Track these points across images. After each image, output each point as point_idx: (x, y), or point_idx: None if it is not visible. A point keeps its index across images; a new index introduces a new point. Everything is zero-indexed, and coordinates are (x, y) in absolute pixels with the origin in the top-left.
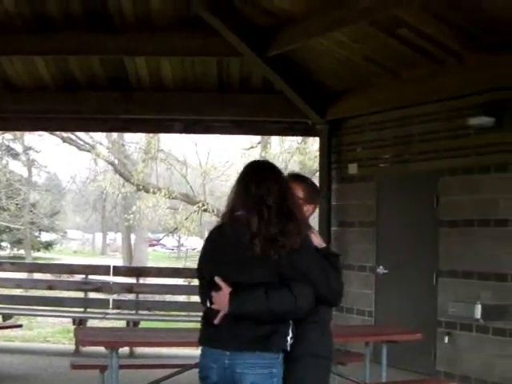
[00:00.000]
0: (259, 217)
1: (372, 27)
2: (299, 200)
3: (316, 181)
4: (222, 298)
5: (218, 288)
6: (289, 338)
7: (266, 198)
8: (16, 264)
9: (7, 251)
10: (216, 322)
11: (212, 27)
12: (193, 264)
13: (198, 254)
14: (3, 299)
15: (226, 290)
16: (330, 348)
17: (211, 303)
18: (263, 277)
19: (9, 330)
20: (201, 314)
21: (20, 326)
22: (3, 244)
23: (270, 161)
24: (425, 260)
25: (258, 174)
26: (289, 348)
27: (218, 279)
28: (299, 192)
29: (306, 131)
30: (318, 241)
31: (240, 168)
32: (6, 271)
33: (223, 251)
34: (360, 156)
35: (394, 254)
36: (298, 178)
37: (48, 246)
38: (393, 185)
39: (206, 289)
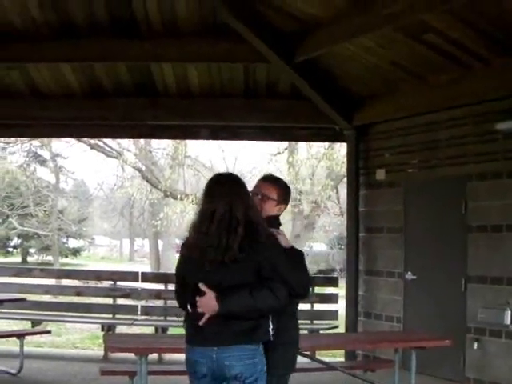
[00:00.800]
0: (199, 231)
1: (398, 32)
2: (272, 201)
3: (344, 186)
4: (208, 302)
5: (201, 293)
6: (271, 330)
7: (213, 213)
8: (45, 270)
9: (35, 257)
10: (201, 323)
11: (238, 33)
12: None
13: None
14: (32, 305)
15: (210, 294)
16: (298, 334)
17: (196, 307)
18: (243, 278)
19: (38, 335)
20: None
21: (49, 331)
22: (31, 250)
23: (232, 173)
24: (453, 266)
25: (209, 190)
26: (272, 338)
27: (201, 285)
28: (273, 193)
29: (333, 137)
30: (284, 241)
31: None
32: (35, 277)
33: (196, 259)
34: (387, 161)
35: (422, 260)
36: (269, 179)
37: (76, 252)
38: (421, 190)
39: (189, 294)
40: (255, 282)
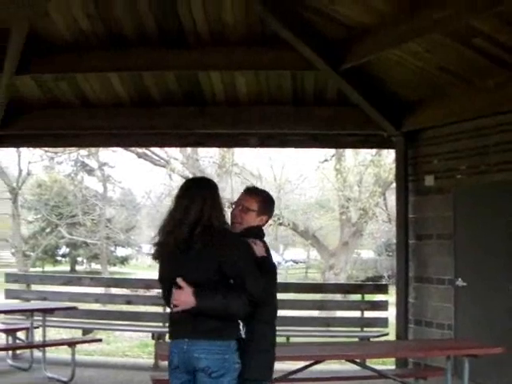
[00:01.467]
0: (175, 235)
1: (446, 37)
2: (252, 212)
3: (391, 193)
4: (185, 296)
5: (179, 287)
6: (241, 327)
7: (182, 217)
8: (95, 279)
9: (84, 266)
10: (174, 310)
11: (285, 41)
12: None
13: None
14: (82, 314)
15: (188, 289)
16: (274, 339)
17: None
18: (206, 276)
19: (87, 344)
20: (286, 328)
21: (100, 340)
22: (79, 259)
23: (206, 177)
24: (504, 272)
25: (178, 196)
26: (243, 335)
27: (179, 280)
28: (253, 205)
29: (381, 143)
30: (258, 251)
31: (312, 181)
32: (85, 286)
33: (174, 258)
34: (436, 168)
35: (472, 267)
36: (251, 191)
37: (123, 260)
38: (470, 196)
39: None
40: (226, 283)
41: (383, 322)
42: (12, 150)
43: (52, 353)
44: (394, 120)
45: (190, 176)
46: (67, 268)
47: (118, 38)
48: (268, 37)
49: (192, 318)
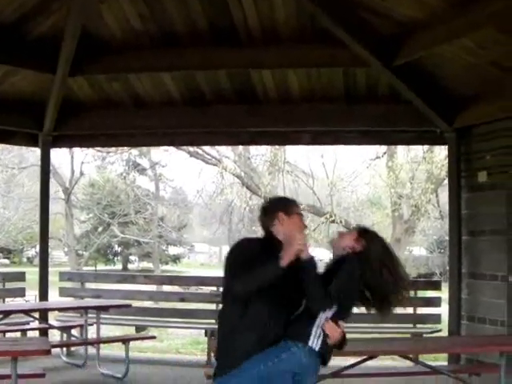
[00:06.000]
0: None
1: (499, 32)
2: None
3: (443, 189)
4: None
5: None
6: None
7: None
8: (149, 277)
9: (135, 265)
10: None
11: (337, 38)
12: None
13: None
14: (136, 311)
15: None
16: None
17: None
18: None
19: (140, 340)
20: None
21: (154, 337)
22: (132, 257)
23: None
24: None
25: None
26: None
27: None
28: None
29: (434, 140)
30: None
31: (364, 178)
32: (138, 284)
33: None
34: (489, 164)
35: None
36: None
37: (176, 259)
38: None
39: None
40: None
41: (436, 319)
42: (65, 151)
43: (105, 349)
44: (446, 116)
45: (242, 174)
46: (119, 267)
47: (170, 37)
48: (319, 34)
49: None
